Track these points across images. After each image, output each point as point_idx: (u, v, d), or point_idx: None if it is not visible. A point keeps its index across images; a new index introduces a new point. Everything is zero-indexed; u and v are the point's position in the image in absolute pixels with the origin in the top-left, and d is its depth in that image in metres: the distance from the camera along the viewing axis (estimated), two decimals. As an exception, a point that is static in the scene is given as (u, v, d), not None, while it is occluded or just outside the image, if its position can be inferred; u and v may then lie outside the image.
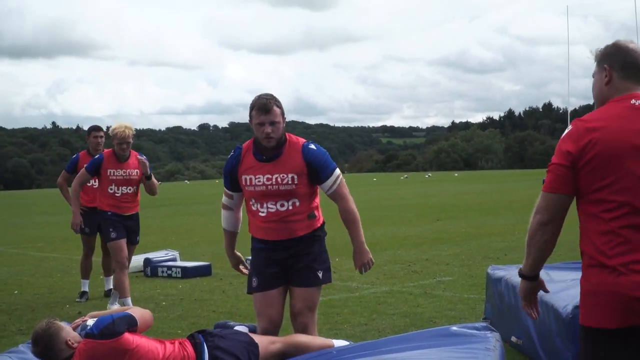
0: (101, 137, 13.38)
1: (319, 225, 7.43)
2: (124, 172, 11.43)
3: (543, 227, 4.65)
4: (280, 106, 7.15)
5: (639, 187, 4.22)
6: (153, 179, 11.77)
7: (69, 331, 6.20)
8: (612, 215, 4.27)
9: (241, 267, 7.69)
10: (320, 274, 7.31)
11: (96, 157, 11.65)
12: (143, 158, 11.54)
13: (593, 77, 4.80)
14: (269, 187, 7.09)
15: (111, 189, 11.39)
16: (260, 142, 7.11)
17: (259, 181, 7.11)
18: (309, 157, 7.16)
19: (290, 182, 7.10)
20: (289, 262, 7.24)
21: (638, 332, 4.15)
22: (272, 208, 7.14)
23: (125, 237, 11.56)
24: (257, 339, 6.78)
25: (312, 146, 7.28)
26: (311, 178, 7.18)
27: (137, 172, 11.55)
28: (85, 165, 11.67)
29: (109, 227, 11.43)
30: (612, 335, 4.22)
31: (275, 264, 7.25)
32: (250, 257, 7.48)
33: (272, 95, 7.21)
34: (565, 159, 4.38)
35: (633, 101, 4.44)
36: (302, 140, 7.32)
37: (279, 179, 7.08)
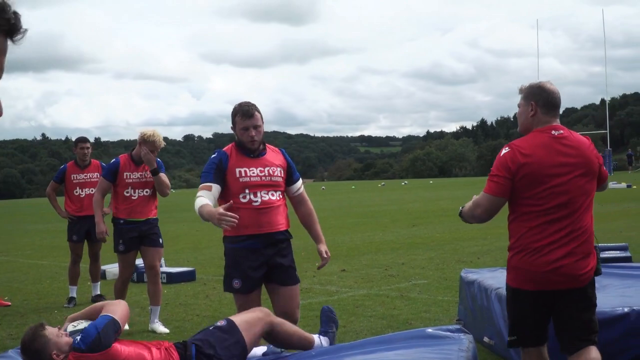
0: (87, 148, 13.40)
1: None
2: (141, 175, 10.84)
3: (479, 218, 6.42)
4: (260, 112, 7.65)
5: (551, 197, 5.83)
6: (161, 175, 10.87)
7: (55, 342, 6.01)
8: (535, 215, 5.91)
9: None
10: (297, 273, 7.81)
11: (111, 162, 11.02)
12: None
13: (519, 107, 6.30)
14: (263, 177, 7.49)
15: (127, 192, 10.79)
16: (244, 145, 7.54)
17: (254, 172, 7.46)
18: (287, 157, 7.95)
19: (279, 175, 7.64)
20: (276, 261, 7.50)
21: (544, 295, 5.95)
22: (265, 197, 7.45)
23: (135, 249, 10.96)
24: (243, 324, 6.71)
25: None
26: (287, 176, 7.79)
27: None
28: (102, 175, 11.28)
29: (118, 238, 10.80)
30: (527, 294, 5.98)
31: (262, 265, 7.45)
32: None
33: (252, 103, 7.68)
34: (507, 173, 5.93)
35: (553, 132, 5.99)
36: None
37: (270, 171, 7.55)
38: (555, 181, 5.85)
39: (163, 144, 10.85)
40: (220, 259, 11.04)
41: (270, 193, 7.53)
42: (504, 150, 6.07)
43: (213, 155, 7.73)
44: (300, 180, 8.08)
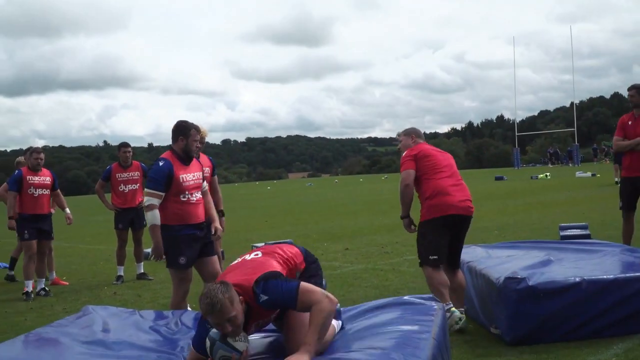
0: (128, 151, 13.42)
1: None
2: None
3: (409, 187, 7.88)
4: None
5: (434, 165, 7.90)
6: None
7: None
8: (438, 174, 7.85)
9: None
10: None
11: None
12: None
13: (400, 140, 8.50)
14: (195, 181, 8.16)
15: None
16: (188, 151, 8.05)
17: (190, 177, 8.07)
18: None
19: (207, 174, 8.90)
20: (206, 239, 8.24)
21: (451, 220, 7.70)
22: (198, 195, 8.20)
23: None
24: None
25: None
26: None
27: (207, 169, 9.49)
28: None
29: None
30: (439, 221, 7.69)
31: (198, 243, 8.11)
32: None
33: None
34: (412, 157, 7.94)
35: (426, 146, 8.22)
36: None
37: (199, 175, 8.27)
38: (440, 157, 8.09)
39: (206, 134, 9.71)
40: (245, 240, 10.90)
41: (199, 193, 8.23)
42: (407, 150, 8.15)
43: (161, 164, 7.93)
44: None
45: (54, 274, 13.56)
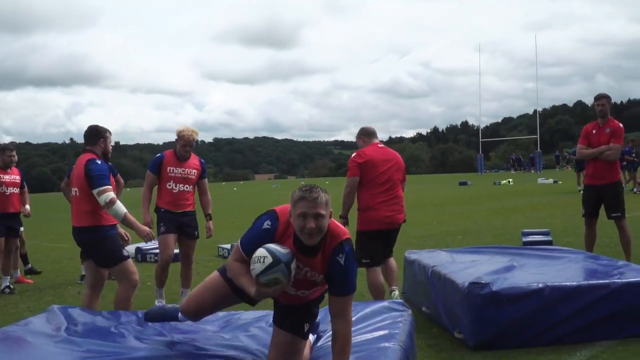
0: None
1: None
2: (183, 171, 9.74)
3: (352, 194, 8.80)
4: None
5: (374, 178, 8.69)
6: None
7: None
8: (374, 188, 8.68)
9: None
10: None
11: (157, 156, 9.95)
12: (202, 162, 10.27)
13: (357, 140, 9.28)
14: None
15: (169, 185, 9.67)
16: (106, 153, 8.35)
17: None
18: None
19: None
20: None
21: (380, 232, 8.71)
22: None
23: (174, 232, 9.68)
24: None
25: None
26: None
27: (195, 172, 9.90)
28: (148, 168, 9.90)
29: (160, 222, 9.68)
30: (370, 233, 8.63)
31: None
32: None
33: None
34: (357, 165, 8.72)
35: (379, 145, 9.03)
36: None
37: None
38: (382, 168, 8.74)
39: (195, 136, 9.86)
40: (212, 241, 10.95)
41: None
42: (354, 153, 8.95)
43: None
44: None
45: (19, 272, 13.40)
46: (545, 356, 6.51)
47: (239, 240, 5.06)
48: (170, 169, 9.69)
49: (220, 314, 6.71)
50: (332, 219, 4.89)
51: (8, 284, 12.26)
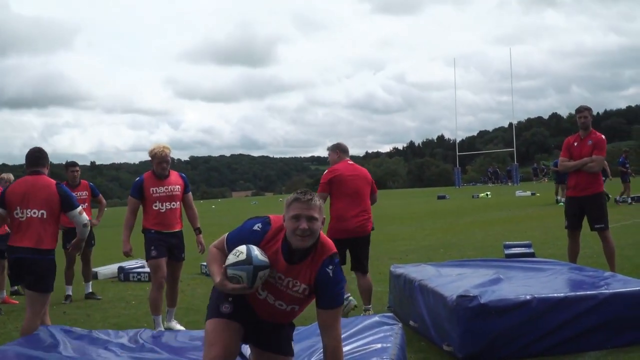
0: (77, 171, 13.30)
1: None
2: (166, 189, 9.56)
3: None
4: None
5: (344, 192, 9.54)
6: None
7: None
8: (345, 201, 9.56)
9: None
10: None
11: (136, 180, 9.71)
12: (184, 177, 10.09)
13: (329, 153, 10.14)
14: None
15: (156, 206, 9.48)
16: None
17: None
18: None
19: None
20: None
21: (349, 241, 9.50)
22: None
23: (165, 256, 9.51)
24: None
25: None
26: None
27: (178, 187, 9.71)
28: (129, 193, 9.77)
29: (150, 245, 9.45)
30: (339, 241, 8.45)
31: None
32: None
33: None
34: (328, 181, 9.57)
35: (349, 162, 9.93)
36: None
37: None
38: (351, 183, 9.63)
39: (169, 158, 9.67)
40: (195, 259, 10.83)
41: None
42: (327, 170, 9.90)
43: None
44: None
45: (4, 293, 13.33)
46: (535, 367, 6.56)
47: (227, 234, 5.23)
48: (152, 190, 9.53)
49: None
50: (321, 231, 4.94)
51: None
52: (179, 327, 9.76)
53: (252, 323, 5.22)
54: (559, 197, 32.98)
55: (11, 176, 13.14)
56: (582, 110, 10.77)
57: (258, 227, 5.02)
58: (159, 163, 9.55)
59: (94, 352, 6.04)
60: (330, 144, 10.36)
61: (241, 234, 5.04)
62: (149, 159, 9.68)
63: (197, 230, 10.10)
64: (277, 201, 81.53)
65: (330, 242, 5.05)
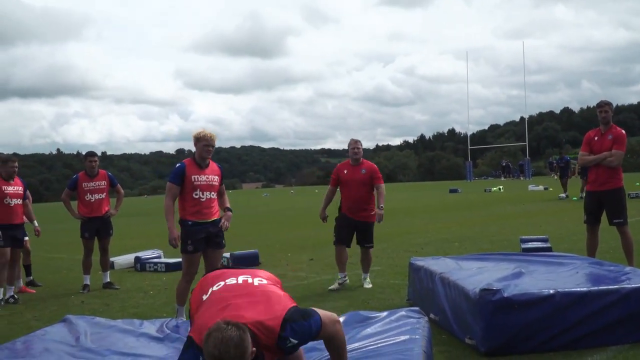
0: (95, 161, 13.27)
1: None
2: (207, 178, 9.38)
3: (327, 197, 12.22)
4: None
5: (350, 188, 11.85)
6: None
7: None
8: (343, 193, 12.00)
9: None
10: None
11: (177, 166, 9.42)
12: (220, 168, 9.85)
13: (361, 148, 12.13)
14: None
15: (196, 195, 9.24)
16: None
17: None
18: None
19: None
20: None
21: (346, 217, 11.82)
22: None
23: (201, 250, 9.32)
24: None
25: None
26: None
27: (217, 178, 9.52)
28: (169, 179, 9.42)
29: (188, 238, 9.22)
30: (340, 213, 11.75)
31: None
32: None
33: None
34: (335, 177, 12.06)
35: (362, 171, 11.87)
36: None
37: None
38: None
39: (215, 137, 9.44)
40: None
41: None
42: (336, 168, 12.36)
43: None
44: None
45: (21, 282, 13.43)
46: (557, 361, 6.58)
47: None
48: (194, 178, 9.27)
49: None
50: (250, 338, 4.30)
51: (12, 293, 12.28)
52: None
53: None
54: (562, 195, 33.28)
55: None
56: (603, 105, 10.78)
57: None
58: (205, 145, 9.31)
59: (121, 342, 6.08)
60: (341, 137, 10.40)
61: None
62: (193, 143, 9.41)
63: (227, 209, 9.68)
64: (289, 193, 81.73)
65: (269, 322, 4.51)
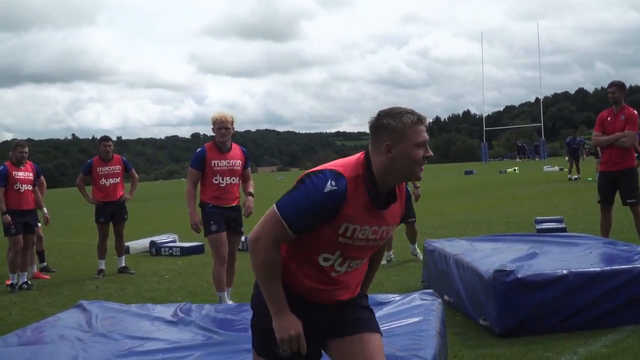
0: (109, 145, 13.24)
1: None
2: (228, 163, 9.17)
3: None
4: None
5: None
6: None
7: None
8: None
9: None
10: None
11: (198, 150, 9.25)
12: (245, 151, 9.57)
13: None
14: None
15: (216, 180, 9.09)
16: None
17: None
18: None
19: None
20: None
21: None
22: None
23: (225, 229, 9.14)
24: None
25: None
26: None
27: (239, 162, 9.31)
28: (190, 164, 9.26)
29: (209, 219, 9.05)
30: None
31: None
32: None
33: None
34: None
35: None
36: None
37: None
38: None
39: (230, 125, 9.16)
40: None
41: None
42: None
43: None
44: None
45: (35, 268, 13.48)
46: (571, 341, 6.56)
47: (277, 206, 3.56)
48: (214, 163, 9.11)
49: None
50: None
51: (26, 279, 12.33)
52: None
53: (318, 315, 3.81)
54: (573, 176, 33.29)
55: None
56: (611, 85, 10.82)
57: (332, 185, 3.47)
58: (219, 129, 9.11)
59: (135, 326, 6.10)
60: (355, 119, 10.31)
61: (311, 204, 3.48)
62: (211, 128, 9.27)
63: (249, 194, 9.49)
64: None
65: None
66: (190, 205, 9.10)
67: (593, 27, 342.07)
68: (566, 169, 42.07)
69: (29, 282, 12.31)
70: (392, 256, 12.63)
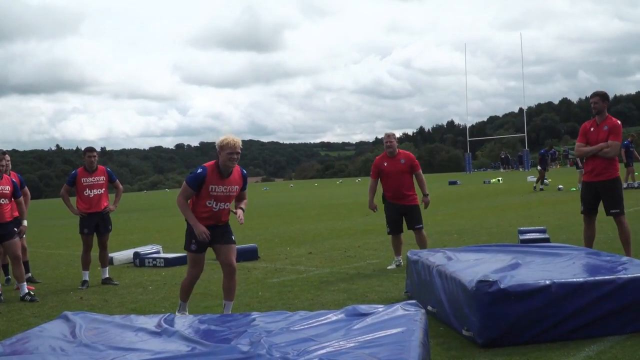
0: (94, 156, 13.20)
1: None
2: (225, 189, 8.80)
3: (374, 189, 13.16)
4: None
5: (394, 179, 12.86)
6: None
7: None
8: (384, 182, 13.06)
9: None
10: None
11: (199, 171, 8.73)
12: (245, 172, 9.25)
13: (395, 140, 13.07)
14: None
15: (209, 204, 8.74)
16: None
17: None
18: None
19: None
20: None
21: (396, 206, 13.05)
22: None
23: (204, 251, 8.98)
24: None
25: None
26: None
27: (237, 188, 8.95)
28: (187, 181, 8.76)
29: (192, 238, 8.83)
30: (385, 200, 13.11)
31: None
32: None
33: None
34: (376, 170, 13.08)
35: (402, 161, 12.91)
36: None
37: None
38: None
39: (240, 144, 8.79)
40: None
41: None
42: (374, 161, 13.33)
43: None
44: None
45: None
46: (554, 352, 6.58)
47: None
48: (212, 187, 8.72)
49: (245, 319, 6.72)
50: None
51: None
52: None
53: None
54: (539, 185, 34.13)
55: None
56: (594, 96, 10.87)
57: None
58: (230, 154, 8.65)
59: (119, 337, 6.09)
60: (340, 130, 10.13)
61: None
62: (217, 150, 8.83)
63: (240, 208, 9.16)
64: (288, 187, 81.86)
65: None
66: (190, 217, 8.76)
67: (576, 36, 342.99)
68: (550, 180, 42.23)
69: (31, 293, 12.12)
70: (401, 262, 12.76)
